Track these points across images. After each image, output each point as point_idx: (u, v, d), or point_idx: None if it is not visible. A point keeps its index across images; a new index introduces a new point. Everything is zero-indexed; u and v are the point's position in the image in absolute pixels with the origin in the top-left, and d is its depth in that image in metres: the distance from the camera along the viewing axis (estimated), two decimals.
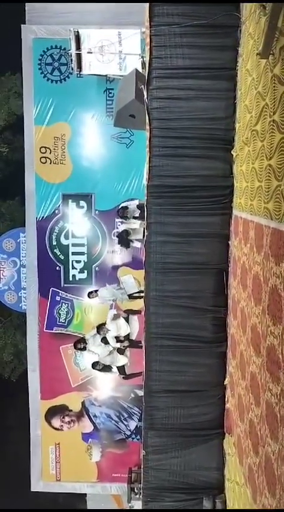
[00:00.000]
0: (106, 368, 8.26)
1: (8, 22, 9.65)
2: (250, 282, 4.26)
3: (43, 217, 8.84)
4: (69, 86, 8.47)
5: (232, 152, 5.30)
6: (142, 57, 7.02)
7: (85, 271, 8.91)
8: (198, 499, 5.81)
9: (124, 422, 9.05)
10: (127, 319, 8.23)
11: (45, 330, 9.04)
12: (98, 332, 8.03)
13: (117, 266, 8.79)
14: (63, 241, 8.90)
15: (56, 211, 8.82)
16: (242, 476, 4.56)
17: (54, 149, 8.64)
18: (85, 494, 10.33)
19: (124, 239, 8.18)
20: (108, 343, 7.97)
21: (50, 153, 8.66)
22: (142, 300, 6.08)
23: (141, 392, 7.14)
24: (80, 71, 7.67)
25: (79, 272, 8.92)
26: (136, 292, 8.27)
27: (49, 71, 8.47)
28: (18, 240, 9.64)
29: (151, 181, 5.60)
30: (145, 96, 5.45)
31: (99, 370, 8.26)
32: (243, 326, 4.56)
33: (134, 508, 8.20)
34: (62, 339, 8.94)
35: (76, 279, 8.93)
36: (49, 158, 8.67)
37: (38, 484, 9.35)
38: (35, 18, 8.36)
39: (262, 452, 3.71)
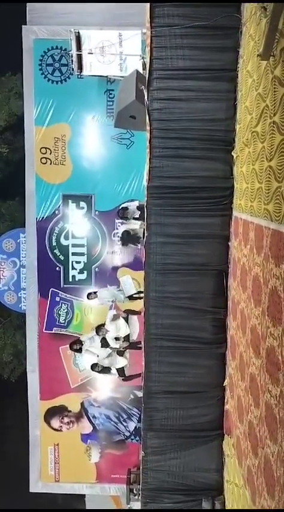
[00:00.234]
0: (105, 370, 8.24)
1: (8, 23, 9.65)
2: (250, 283, 4.26)
3: (43, 217, 8.84)
4: (70, 86, 8.48)
5: (232, 153, 5.30)
6: (143, 58, 7.03)
7: (85, 272, 8.91)
8: (197, 500, 5.80)
9: (124, 423, 9.04)
10: (126, 320, 8.21)
11: (44, 331, 9.03)
12: (97, 333, 8.01)
13: (116, 267, 8.79)
14: (63, 242, 8.90)
15: (56, 211, 8.82)
16: (241, 477, 4.55)
17: (55, 150, 8.65)
18: (84, 495, 10.31)
19: (127, 238, 8.19)
20: (107, 346, 7.95)
21: (50, 153, 8.66)
22: (142, 300, 6.08)
23: (140, 394, 7.12)
24: (81, 71, 7.67)
25: (79, 273, 8.92)
26: (135, 293, 8.26)
27: (50, 71, 8.47)
28: (18, 241, 9.64)
29: (152, 182, 5.60)
30: (146, 97, 5.46)
31: (98, 371, 8.24)
32: (243, 327, 4.56)
33: (133, 508, 8.19)
34: (62, 339, 8.93)
35: (76, 279, 8.93)
36: (49, 159, 8.68)
37: (37, 484, 9.34)
38: (36, 18, 8.37)
39: (261, 454, 3.70)
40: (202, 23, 5.06)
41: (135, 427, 8.91)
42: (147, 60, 5.36)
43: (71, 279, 8.93)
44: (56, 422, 9.17)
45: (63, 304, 8.96)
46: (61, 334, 8.99)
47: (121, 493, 8.89)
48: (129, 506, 8.22)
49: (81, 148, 8.66)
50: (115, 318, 8.09)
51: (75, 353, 8.63)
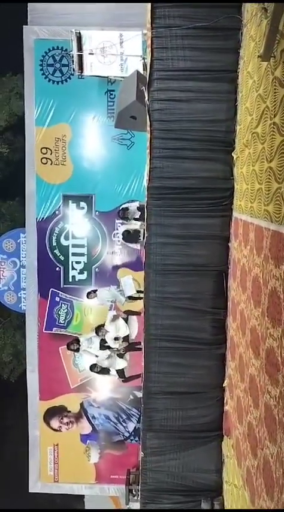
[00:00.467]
0: (104, 370, 8.24)
1: (9, 23, 9.67)
2: (249, 284, 4.26)
3: (43, 217, 8.84)
4: (70, 87, 8.48)
5: (232, 154, 5.31)
6: (144, 58, 7.04)
7: (85, 272, 8.91)
8: (196, 501, 5.81)
9: (123, 423, 9.04)
10: (126, 320, 8.21)
11: (44, 331, 9.03)
12: (97, 333, 8.01)
13: (116, 267, 8.79)
14: (63, 242, 8.91)
15: (56, 212, 8.82)
16: (240, 478, 4.55)
17: (55, 150, 8.65)
18: (83, 495, 10.29)
19: (128, 237, 8.19)
20: (106, 348, 7.94)
21: (51, 154, 8.67)
22: (142, 301, 6.08)
23: (139, 394, 7.12)
24: (81, 72, 7.68)
25: (79, 273, 8.92)
26: (135, 294, 8.26)
27: (50, 72, 8.48)
28: (18, 241, 9.64)
29: (152, 182, 5.61)
30: (146, 98, 5.46)
31: (97, 372, 8.24)
32: (242, 328, 4.56)
33: (132, 509, 8.18)
34: (61, 339, 8.92)
35: (76, 279, 8.93)
36: (50, 159, 8.68)
37: (36, 485, 9.34)
38: (37, 19, 8.38)
39: (261, 455, 3.70)
40: (202, 24, 5.08)
41: (135, 428, 8.91)
42: (148, 61, 5.37)
43: (71, 279, 8.93)
44: (55, 423, 9.17)
45: (63, 305, 8.96)
46: (61, 335, 8.98)
47: (121, 494, 8.88)
48: (128, 506, 8.21)
49: (82, 148, 8.66)
50: (115, 318, 8.09)
51: (75, 353, 8.64)
